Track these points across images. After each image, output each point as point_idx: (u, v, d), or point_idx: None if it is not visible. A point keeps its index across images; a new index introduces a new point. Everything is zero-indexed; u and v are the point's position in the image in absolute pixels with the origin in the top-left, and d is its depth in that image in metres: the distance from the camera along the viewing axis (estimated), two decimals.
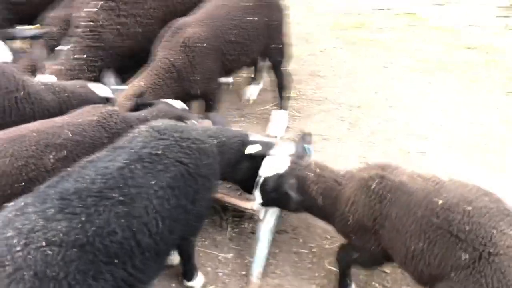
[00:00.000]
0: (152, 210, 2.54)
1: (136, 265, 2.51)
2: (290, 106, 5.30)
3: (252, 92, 5.36)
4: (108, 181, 2.44)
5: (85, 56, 3.93)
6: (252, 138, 3.59)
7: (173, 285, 3.54)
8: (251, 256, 3.72)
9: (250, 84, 5.36)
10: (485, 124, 5.23)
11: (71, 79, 3.76)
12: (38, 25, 4.09)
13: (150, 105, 3.57)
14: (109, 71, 3.76)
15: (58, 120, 3.03)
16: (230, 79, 5.49)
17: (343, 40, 6.91)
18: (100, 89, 3.59)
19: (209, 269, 3.70)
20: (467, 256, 2.47)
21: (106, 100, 3.49)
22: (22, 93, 3.11)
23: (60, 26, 4.15)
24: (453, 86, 5.95)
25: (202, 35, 3.93)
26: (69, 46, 3.96)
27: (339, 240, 3.43)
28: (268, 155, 3.47)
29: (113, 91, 3.62)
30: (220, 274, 3.66)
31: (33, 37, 3.91)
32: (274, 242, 3.85)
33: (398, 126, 5.21)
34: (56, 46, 4.03)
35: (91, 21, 3.95)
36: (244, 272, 3.66)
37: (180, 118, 3.52)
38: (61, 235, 2.19)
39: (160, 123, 2.96)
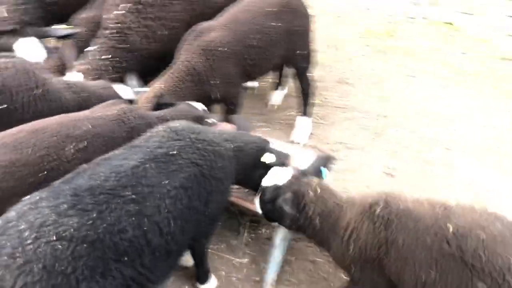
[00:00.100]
0: (164, 210, 2.55)
1: (146, 264, 2.51)
2: (315, 113, 5.26)
3: (276, 97, 5.34)
4: (121, 179, 2.46)
5: (110, 56, 4.01)
6: (272, 145, 3.57)
7: (186, 287, 3.55)
8: (266, 262, 3.69)
9: (275, 89, 5.34)
10: None
11: (97, 79, 3.84)
12: (69, 25, 4.20)
13: (171, 105, 3.61)
14: (133, 73, 3.82)
15: (78, 113, 3.10)
16: (255, 84, 5.49)
17: (373, 48, 6.83)
18: (122, 90, 3.65)
19: (222, 273, 3.69)
20: (485, 287, 2.34)
21: (129, 102, 3.53)
22: (41, 90, 3.17)
23: (89, 27, 4.26)
24: (485, 97, 5.78)
25: (223, 39, 3.95)
26: (96, 47, 4.05)
27: None
28: (283, 165, 3.44)
29: (136, 92, 3.67)
30: (234, 279, 3.65)
31: (65, 37, 4.01)
32: (290, 250, 3.81)
33: (424, 137, 5.10)
34: (85, 47, 4.13)
35: (119, 23, 4.03)
36: (258, 278, 3.63)
37: (200, 119, 3.54)
38: (72, 230, 2.21)
39: (177, 123, 2.98)
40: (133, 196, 2.44)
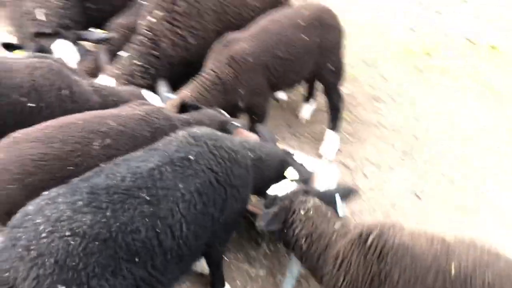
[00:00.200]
0: (177, 213, 2.58)
1: (157, 266, 2.54)
2: (344, 129, 5.19)
3: (306, 111, 5.32)
4: (137, 180, 2.51)
5: (141, 63, 4.11)
6: (296, 158, 3.55)
7: None
8: (282, 275, 3.65)
9: (305, 102, 5.32)
10: None
11: (127, 83, 3.95)
12: (105, 30, 4.34)
13: (197, 109, 3.66)
14: (163, 80, 3.90)
15: (104, 111, 3.19)
16: (284, 96, 5.49)
17: (409, 66, 6.69)
18: (150, 97, 3.73)
19: (238, 283, 3.67)
20: None
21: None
22: (69, 91, 3.29)
23: (124, 33, 4.39)
24: None
25: (251, 50, 3.98)
26: (128, 52, 4.17)
27: None
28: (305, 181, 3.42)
29: (164, 99, 3.74)
30: None
31: (99, 41, 4.15)
32: None
33: (456, 159, 4.94)
34: (118, 51, 4.26)
35: (151, 31, 4.13)
36: None
37: (224, 125, 3.58)
38: (85, 227, 2.27)
39: (197, 129, 3.01)
40: (148, 198, 2.48)
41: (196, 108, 3.70)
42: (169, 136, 2.95)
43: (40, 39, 3.86)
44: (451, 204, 4.40)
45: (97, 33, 4.13)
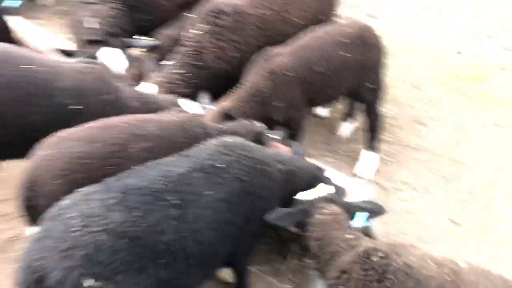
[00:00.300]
0: (202, 219, 2.65)
1: (180, 269, 2.61)
2: (383, 149, 5.12)
3: (345, 129, 5.29)
4: (168, 184, 2.61)
5: (184, 72, 4.24)
6: (329, 174, 3.55)
7: None
8: None
9: (345, 120, 5.30)
10: None
11: (169, 91, 4.09)
12: (151, 39, 4.55)
13: (234, 120, 3.76)
14: (205, 91, 4.03)
15: (144, 116, 3.32)
16: (324, 113, 5.49)
17: (456, 91, 6.53)
18: (189, 106, 3.85)
19: None
20: None
21: None
22: (111, 96, 3.45)
23: (169, 43, 4.57)
24: None
25: (290, 64, 4.05)
26: (172, 62, 4.32)
27: None
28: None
29: (203, 109, 3.86)
30: None
31: (146, 48, 4.34)
32: None
33: (498, 189, 4.77)
34: (161, 60, 4.43)
35: (195, 42, 4.28)
36: None
37: (260, 136, 3.63)
38: (115, 224, 2.37)
39: (229, 139, 3.09)
40: (176, 202, 2.57)
41: (233, 118, 3.79)
42: (202, 144, 3.04)
43: (90, 46, 4.09)
44: (489, 234, 4.24)
45: (143, 40, 4.32)
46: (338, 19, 5.17)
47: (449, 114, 5.95)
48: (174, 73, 4.24)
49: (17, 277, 2.35)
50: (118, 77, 3.64)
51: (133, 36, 4.41)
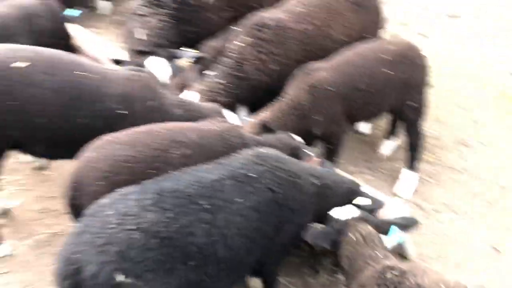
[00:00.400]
0: (233, 225, 2.72)
1: (209, 273, 2.68)
2: (424, 169, 5.03)
3: (386, 147, 5.24)
4: (201, 189, 2.71)
5: (225, 82, 4.37)
6: (363, 189, 3.54)
7: None
8: None
9: (386, 138, 5.25)
10: None
11: (210, 99, 4.23)
12: (196, 50, 4.73)
13: (272, 133, 3.83)
14: (243, 104, 4.15)
15: (186, 124, 3.44)
16: (367, 130, 5.47)
17: (504, 112, 6.31)
18: (229, 115, 3.98)
19: None
20: None
21: None
22: (155, 103, 3.60)
23: (213, 54, 4.72)
24: None
25: (331, 79, 4.09)
26: (214, 72, 4.47)
27: None
28: (374, 211, 3.40)
29: (242, 121, 3.96)
30: None
31: (190, 59, 4.53)
32: None
33: None
34: (206, 71, 4.58)
35: (237, 54, 4.41)
36: None
37: (296, 150, 3.68)
38: (148, 224, 2.49)
39: (265, 150, 3.15)
40: (208, 206, 2.66)
41: (272, 131, 3.86)
42: (238, 154, 3.13)
43: (139, 56, 4.31)
44: None
45: (188, 52, 4.50)
46: (388, 37, 5.17)
47: (495, 137, 5.75)
48: (215, 82, 4.38)
49: (56, 268, 2.51)
50: (163, 85, 3.81)
51: (180, 48, 4.60)
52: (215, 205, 2.69)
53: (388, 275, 2.60)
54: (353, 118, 4.36)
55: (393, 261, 2.79)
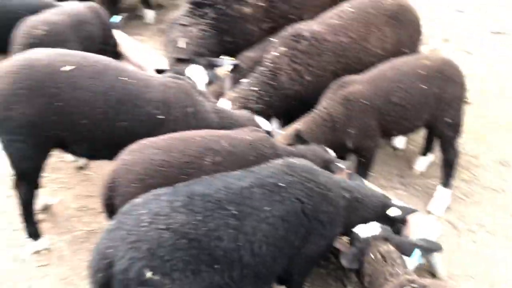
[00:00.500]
0: (259, 232, 2.77)
1: (234, 278, 2.74)
2: (460, 188, 4.94)
3: (421, 163, 5.17)
4: (230, 195, 2.79)
5: (258, 89, 4.46)
6: (393, 203, 3.53)
7: None
8: None
9: (422, 154, 5.19)
10: None
11: (242, 106, 4.33)
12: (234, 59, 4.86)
13: (305, 143, 3.87)
14: (276, 116, 4.24)
15: (219, 132, 3.53)
16: (402, 145, 5.42)
17: None
18: (263, 123, 4.05)
19: None
20: None
21: (267, 133, 3.89)
22: (192, 109, 3.72)
23: (250, 64, 4.84)
24: None
25: (365, 93, 4.11)
26: (249, 80, 4.57)
27: None
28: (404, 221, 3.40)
29: (274, 133, 4.04)
30: None
31: (228, 68, 4.65)
32: None
33: None
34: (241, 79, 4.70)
35: (272, 63, 4.50)
36: None
37: (328, 163, 3.70)
38: (178, 225, 2.59)
39: (296, 161, 3.20)
40: (235, 212, 2.73)
41: (305, 142, 3.90)
42: (269, 163, 3.18)
43: (179, 64, 4.47)
44: None
45: (226, 60, 4.62)
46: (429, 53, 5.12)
47: None
48: (249, 90, 4.47)
49: (90, 261, 2.65)
50: (201, 92, 3.94)
51: (219, 57, 4.74)
52: (243, 211, 2.75)
53: None
54: (387, 132, 4.35)
55: (413, 276, 2.79)
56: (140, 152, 3.26)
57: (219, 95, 4.65)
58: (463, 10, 8.05)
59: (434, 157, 5.27)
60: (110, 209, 3.21)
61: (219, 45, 4.91)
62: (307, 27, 4.59)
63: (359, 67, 4.49)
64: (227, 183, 2.86)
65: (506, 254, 4.31)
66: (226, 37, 4.99)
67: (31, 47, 3.94)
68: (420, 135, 5.19)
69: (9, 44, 4.65)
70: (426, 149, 5.12)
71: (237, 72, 4.76)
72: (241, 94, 4.47)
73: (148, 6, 7.71)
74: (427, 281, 2.73)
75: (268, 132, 3.89)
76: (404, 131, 4.56)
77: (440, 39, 7.28)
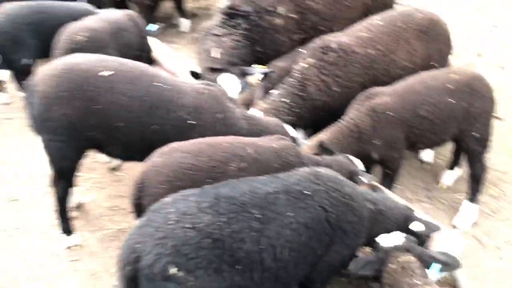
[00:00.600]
0: (282, 237, 2.84)
1: (255, 279, 2.82)
2: (487, 203, 4.89)
3: (448, 177, 5.15)
4: (255, 199, 2.87)
5: (288, 100, 4.56)
6: (417, 215, 3.55)
7: None
8: None
9: (449, 169, 5.17)
10: None
11: (272, 117, 4.41)
12: (265, 67, 4.99)
13: (331, 153, 3.93)
14: (305, 121, 4.31)
15: (246, 139, 3.63)
16: (430, 158, 5.41)
17: None
18: (292, 131, 4.15)
19: None
20: None
21: (293, 141, 3.97)
22: (222, 115, 3.84)
23: (280, 74, 4.94)
24: None
25: (393, 105, 4.15)
26: (279, 90, 4.67)
27: None
28: (428, 236, 3.41)
29: (300, 144, 4.12)
30: None
31: (259, 77, 4.78)
32: None
33: None
34: (271, 89, 4.80)
35: (301, 74, 4.59)
36: None
37: (353, 174, 3.74)
38: (203, 224, 2.70)
39: (322, 170, 3.26)
40: (259, 216, 2.81)
41: (331, 152, 3.96)
42: (295, 170, 3.25)
43: (212, 73, 4.63)
44: None
45: (258, 69, 4.75)
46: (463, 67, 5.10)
47: None
48: (279, 101, 4.58)
49: (119, 255, 2.79)
50: (232, 100, 4.07)
51: (251, 66, 4.88)
52: (267, 216, 2.83)
53: None
54: (413, 145, 4.37)
55: (433, 286, 2.80)
56: (169, 155, 3.38)
57: (249, 102, 4.77)
58: (498, 25, 7.97)
59: (462, 171, 5.24)
60: (139, 208, 3.34)
61: (251, 55, 5.05)
62: (335, 38, 4.67)
63: (387, 80, 4.53)
64: (253, 188, 2.95)
65: None
66: (257, 47, 5.12)
67: (72, 52, 4.16)
68: (447, 149, 5.17)
69: (51, 48, 4.92)
70: (454, 163, 5.09)
71: (267, 81, 4.87)
72: (272, 105, 4.58)
73: (183, 15, 7.96)
74: None
75: (294, 140, 3.97)
76: (431, 145, 4.56)
77: (474, 53, 7.23)
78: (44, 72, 3.77)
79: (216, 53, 4.81)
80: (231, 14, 5.11)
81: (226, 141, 3.52)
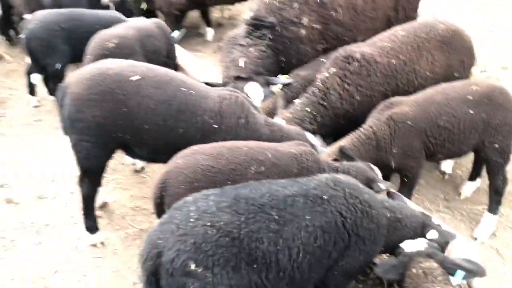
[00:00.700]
0: (298, 239, 2.91)
1: (270, 279, 2.89)
2: (507, 215, 4.86)
3: (467, 188, 5.14)
4: (273, 200, 2.95)
5: (310, 110, 4.65)
6: (434, 222, 3.57)
7: None
8: None
9: (469, 179, 5.16)
10: None
11: (294, 125, 4.51)
12: (288, 77, 5.11)
13: (351, 160, 3.99)
14: (326, 129, 4.39)
15: (266, 144, 3.72)
16: (449, 169, 5.41)
17: None
18: (312, 138, 4.23)
19: None
20: None
21: (312, 147, 4.04)
22: (244, 120, 3.96)
23: (302, 83, 5.04)
24: None
25: (411, 114, 4.19)
26: (301, 100, 4.77)
27: None
28: (446, 245, 3.43)
29: (319, 151, 4.16)
30: None
31: (282, 85, 4.90)
32: None
33: None
34: (294, 98, 4.91)
35: (323, 84, 4.68)
36: None
37: (371, 181, 3.76)
38: (222, 223, 2.79)
39: (341, 176, 3.32)
40: (276, 217, 2.89)
41: (351, 158, 4.02)
42: (315, 175, 3.32)
43: (236, 81, 4.77)
44: None
45: (281, 78, 4.88)
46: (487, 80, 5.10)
47: None
48: (302, 110, 4.68)
49: (142, 250, 2.91)
50: (255, 107, 4.18)
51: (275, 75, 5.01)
52: (284, 218, 2.90)
53: None
54: (432, 155, 4.38)
55: None
56: (191, 157, 3.50)
57: (270, 110, 4.88)
58: (498, 25, 7.91)
59: (482, 182, 5.22)
60: (160, 208, 3.46)
61: (275, 65, 5.18)
62: (358, 48, 4.75)
63: (409, 89, 4.58)
64: (272, 190, 3.03)
65: None
66: (281, 57, 5.25)
67: (102, 58, 4.35)
68: (468, 160, 5.17)
69: (83, 54, 5.14)
70: (474, 175, 5.09)
71: (289, 90, 4.97)
72: (295, 114, 4.68)
73: (209, 24, 8.15)
74: None
75: (314, 147, 4.05)
76: (451, 155, 4.58)
77: (499, 66, 7.20)
78: (77, 75, 3.96)
79: (242, 62, 4.95)
80: (256, 25, 5.24)
81: (246, 145, 3.62)
